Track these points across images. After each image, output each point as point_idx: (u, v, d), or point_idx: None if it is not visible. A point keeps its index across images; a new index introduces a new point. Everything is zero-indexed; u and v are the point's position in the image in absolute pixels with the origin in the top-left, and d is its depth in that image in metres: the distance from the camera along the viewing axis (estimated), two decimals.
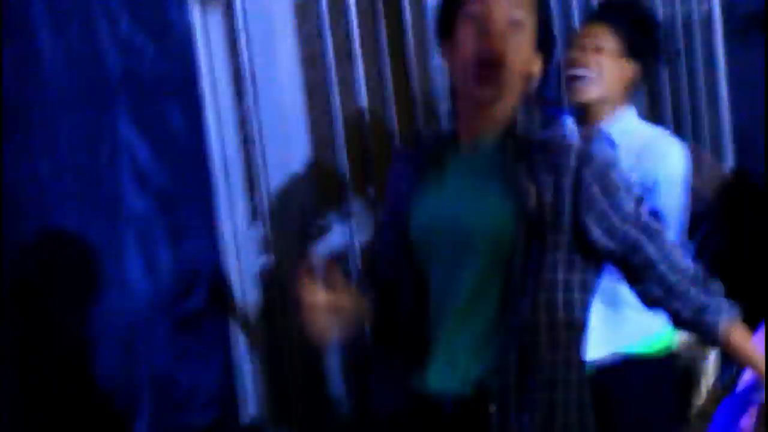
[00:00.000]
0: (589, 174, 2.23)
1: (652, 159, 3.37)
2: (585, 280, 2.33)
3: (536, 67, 2.39)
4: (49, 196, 3.85)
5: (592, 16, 3.72)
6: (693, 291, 2.29)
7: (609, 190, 2.26)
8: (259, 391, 4.29)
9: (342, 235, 4.51)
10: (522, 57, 2.30)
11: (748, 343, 2.35)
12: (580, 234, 2.27)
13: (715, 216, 5.68)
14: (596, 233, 2.26)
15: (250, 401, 4.23)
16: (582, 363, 2.38)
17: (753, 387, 3.34)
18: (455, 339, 2.37)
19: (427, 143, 2.56)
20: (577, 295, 2.31)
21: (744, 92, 6.03)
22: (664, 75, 5.79)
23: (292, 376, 4.40)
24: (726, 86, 6.04)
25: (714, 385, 4.39)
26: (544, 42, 2.39)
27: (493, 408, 2.25)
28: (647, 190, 3.30)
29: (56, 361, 3.80)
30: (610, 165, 2.30)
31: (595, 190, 2.23)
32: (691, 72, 5.93)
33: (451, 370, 2.35)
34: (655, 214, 2.52)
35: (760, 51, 5.96)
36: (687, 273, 2.31)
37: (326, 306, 2.37)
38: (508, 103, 2.34)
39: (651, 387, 3.41)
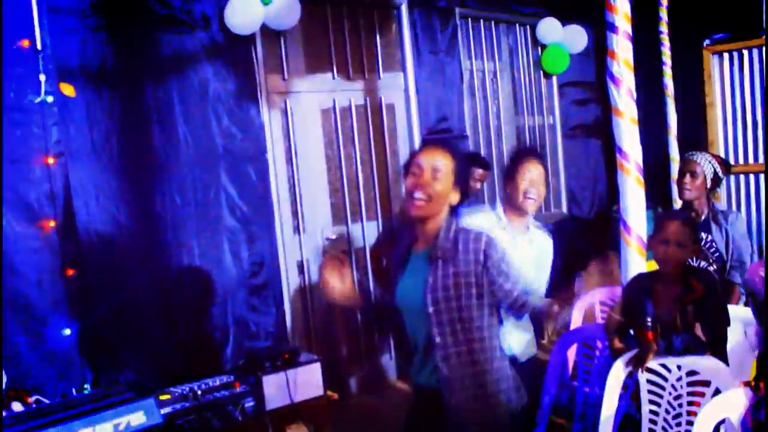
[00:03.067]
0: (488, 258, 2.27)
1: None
2: (485, 313, 2.35)
3: (455, 198, 2.35)
4: (180, 217, 3.78)
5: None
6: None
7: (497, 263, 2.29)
8: (296, 331, 4.37)
9: (345, 241, 4.65)
10: (441, 195, 2.29)
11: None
12: (489, 284, 2.29)
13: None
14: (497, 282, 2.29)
15: (291, 336, 4.31)
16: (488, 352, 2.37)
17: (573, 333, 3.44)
18: (419, 357, 2.40)
19: (403, 247, 2.48)
20: (485, 322, 2.34)
21: (573, 168, 6.13)
22: None
23: (315, 323, 4.50)
24: (563, 165, 6.08)
25: (554, 329, 4.55)
26: (458, 184, 2.34)
27: (452, 401, 2.30)
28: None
29: (184, 310, 3.78)
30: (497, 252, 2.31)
31: (489, 264, 2.27)
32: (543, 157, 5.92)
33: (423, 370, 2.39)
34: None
35: (581, 145, 6.20)
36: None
37: (336, 273, 2.40)
38: (436, 221, 2.32)
39: None
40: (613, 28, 3.11)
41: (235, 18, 3.89)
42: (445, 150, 2.35)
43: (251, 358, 3.42)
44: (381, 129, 4.81)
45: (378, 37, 4.76)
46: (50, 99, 3.14)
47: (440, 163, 2.30)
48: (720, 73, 5.78)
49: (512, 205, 3.16)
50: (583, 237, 5.77)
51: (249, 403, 3.22)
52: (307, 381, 3.38)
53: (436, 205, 2.30)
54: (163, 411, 2.98)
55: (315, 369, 3.43)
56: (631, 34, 3.21)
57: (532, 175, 3.13)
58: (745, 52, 5.65)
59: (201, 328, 3.89)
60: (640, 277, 2.86)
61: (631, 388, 2.76)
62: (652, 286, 2.73)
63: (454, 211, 2.39)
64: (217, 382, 3.31)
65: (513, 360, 2.79)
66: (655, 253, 2.70)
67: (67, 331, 3.14)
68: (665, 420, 2.65)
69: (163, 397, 3.12)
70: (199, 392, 3.18)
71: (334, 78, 4.56)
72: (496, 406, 2.33)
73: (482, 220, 3.09)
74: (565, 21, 5.77)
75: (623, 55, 3.16)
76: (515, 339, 3.18)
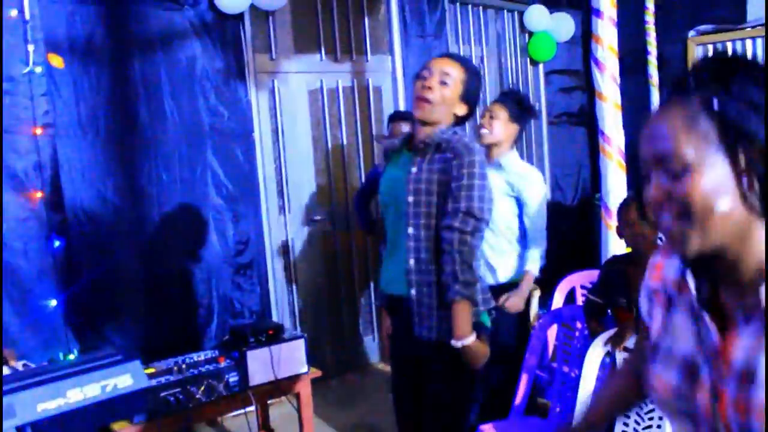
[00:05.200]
0: (457, 164, 2.21)
1: (526, 183, 3.29)
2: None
3: (461, 110, 2.33)
4: (166, 193, 3.82)
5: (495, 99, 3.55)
6: (456, 262, 2.20)
7: (463, 175, 2.21)
8: (279, 307, 4.42)
9: (329, 221, 4.70)
10: (446, 100, 2.28)
11: (459, 317, 2.22)
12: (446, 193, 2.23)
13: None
14: (449, 198, 2.22)
15: (275, 313, 4.36)
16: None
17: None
18: (391, 259, 2.40)
19: (395, 145, 2.49)
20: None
21: (557, 155, 6.18)
22: None
23: (299, 300, 4.54)
24: (547, 151, 6.13)
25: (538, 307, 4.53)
26: (469, 98, 2.34)
27: (412, 293, 2.29)
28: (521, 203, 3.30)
29: (169, 286, 3.82)
30: (472, 161, 2.22)
31: (456, 173, 2.21)
32: (528, 143, 5.93)
33: (394, 277, 2.38)
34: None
35: (566, 133, 6.25)
36: (457, 252, 2.20)
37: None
38: (438, 127, 2.29)
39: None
40: (598, 13, 3.17)
41: None
42: (457, 60, 2.35)
43: (236, 333, 3.45)
44: (368, 111, 4.85)
45: (366, 19, 4.78)
46: (39, 69, 3.15)
47: (450, 70, 2.30)
48: None
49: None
50: (567, 223, 5.84)
51: (233, 378, 3.25)
52: (290, 357, 3.41)
53: (439, 109, 2.30)
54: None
55: (299, 346, 3.46)
56: (616, 20, 3.28)
57: (489, 111, 3.34)
58: (729, 44, 5.72)
59: (186, 305, 3.93)
60: (615, 260, 2.93)
61: (609, 368, 2.80)
62: (627, 268, 2.80)
63: (460, 124, 2.38)
64: (202, 356, 3.34)
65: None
66: (626, 238, 2.77)
67: (53, 302, 3.16)
68: None
69: (148, 371, 3.15)
70: (184, 366, 3.21)
71: (322, 59, 4.58)
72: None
73: None
74: (553, 8, 5.82)
75: (608, 41, 3.23)
76: (498, 261, 3.34)
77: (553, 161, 6.18)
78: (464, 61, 2.38)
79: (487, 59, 5.66)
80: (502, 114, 3.32)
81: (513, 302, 3.30)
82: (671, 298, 1.13)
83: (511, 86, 5.82)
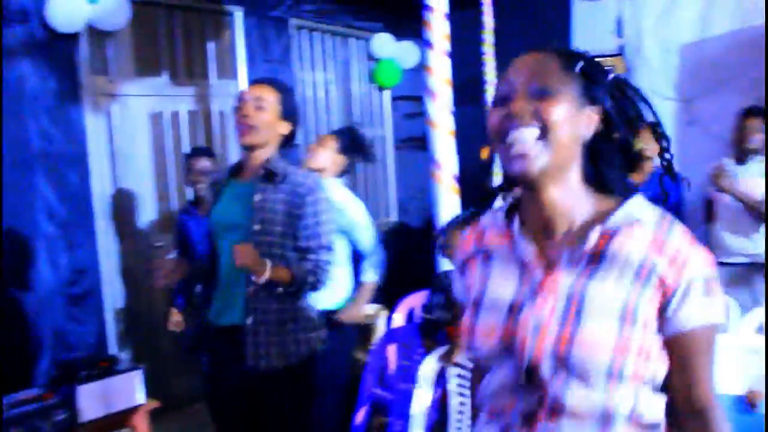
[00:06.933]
0: (309, 201, 2.34)
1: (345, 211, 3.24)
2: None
3: (283, 129, 2.43)
4: None
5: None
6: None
7: (315, 212, 2.36)
8: (118, 340, 4.27)
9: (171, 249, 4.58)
10: (265, 123, 2.36)
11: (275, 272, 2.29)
12: (295, 231, 2.34)
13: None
14: (300, 234, 2.35)
15: (111, 345, 4.21)
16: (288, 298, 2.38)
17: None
18: (225, 290, 2.41)
19: (223, 176, 2.53)
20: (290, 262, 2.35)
21: (403, 179, 6.36)
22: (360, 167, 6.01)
23: (139, 330, 4.41)
24: (393, 176, 6.29)
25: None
26: (288, 115, 2.43)
27: (248, 321, 2.33)
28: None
29: None
30: (320, 199, 2.38)
31: (309, 210, 2.34)
32: (375, 167, 6.02)
33: (228, 309, 2.40)
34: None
35: (411, 157, 6.40)
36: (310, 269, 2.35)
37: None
38: (265, 152, 2.39)
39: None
40: (430, 45, 3.33)
41: (57, 14, 3.77)
42: (268, 84, 2.44)
43: (65, 368, 3.31)
44: (212, 136, 4.80)
45: (211, 44, 4.75)
46: None
47: (264, 95, 2.38)
48: None
49: None
50: (412, 245, 6.01)
51: (61, 416, 3.11)
52: (126, 390, 3.32)
53: (262, 133, 2.37)
54: None
55: (134, 377, 3.38)
56: (449, 51, 3.45)
57: (320, 140, 3.44)
58: None
59: (14, 341, 3.73)
60: (439, 277, 3.08)
61: (443, 384, 2.92)
62: (449, 286, 2.94)
63: (288, 144, 2.49)
64: (27, 396, 3.17)
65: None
66: (448, 257, 2.91)
67: None
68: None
69: None
70: (5, 407, 3.04)
71: (164, 83, 4.51)
72: (297, 343, 2.40)
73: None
74: (398, 37, 6.00)
75: (440, 71, 3.40)
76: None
77: (399, 185, 6.34)
78: (275, 82, 2.48)
79: (334, 85, 5.76)
80: (331, 144, 3.35)
81: (349, 314, 3.27)
82: (489, 254, 1.26)
83: (358, 113, 5.95)
